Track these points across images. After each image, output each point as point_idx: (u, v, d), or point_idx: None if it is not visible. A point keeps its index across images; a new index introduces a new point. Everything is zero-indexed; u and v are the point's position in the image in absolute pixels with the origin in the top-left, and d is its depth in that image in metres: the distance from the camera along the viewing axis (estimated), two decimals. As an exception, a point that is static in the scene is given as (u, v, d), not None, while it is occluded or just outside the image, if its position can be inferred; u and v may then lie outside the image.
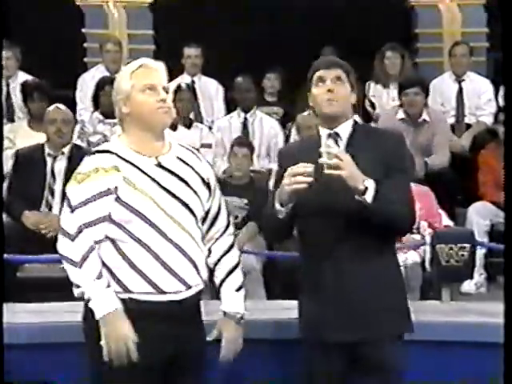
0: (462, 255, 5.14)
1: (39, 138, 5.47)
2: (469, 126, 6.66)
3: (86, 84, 6.94)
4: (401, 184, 2.92)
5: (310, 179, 2.78)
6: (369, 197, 2.79)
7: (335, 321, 2.92)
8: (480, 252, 5.35)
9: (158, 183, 2.78)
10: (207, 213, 2.93)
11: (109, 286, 2.73)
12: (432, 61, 7.79)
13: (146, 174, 2.77)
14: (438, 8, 7.93)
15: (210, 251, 2.98)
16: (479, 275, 5.42)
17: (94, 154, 2.83)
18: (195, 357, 2.88)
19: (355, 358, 2.95)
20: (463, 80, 6.82)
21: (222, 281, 2.99)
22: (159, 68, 2.87)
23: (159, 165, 2.81)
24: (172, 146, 2.88)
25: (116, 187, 2.73)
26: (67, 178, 5.06)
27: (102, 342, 2.70)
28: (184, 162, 2.87)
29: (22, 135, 5.73)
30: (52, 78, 6.78)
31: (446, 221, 5.30)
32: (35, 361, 3.58)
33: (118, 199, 2.73)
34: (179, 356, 2.82)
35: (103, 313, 2.71)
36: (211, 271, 2.99)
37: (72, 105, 6.84)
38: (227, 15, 8.40)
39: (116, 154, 2.79)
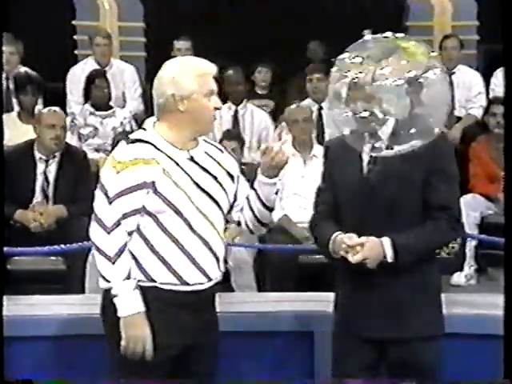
0: (453, 247, 5.16)
1: (28, 130, 5.41)
2: (459, 118, 6.66)
3: (76, 77, 6.90)
4: (447, 192, 2.96)
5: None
6: (389, 258, 2.86)
7: (370, 318, 2.96)
8: (470, 244, 5.37)
9: (191, 177, 2.86)
10: (235, 196, 3.00)
11: (136, 288, 2.81)
12: (423, 54, 7.77)
13: (180, 167, 2.86)
14: (429, 0, 7.92)
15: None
16: (469, 267, 5.43)
17: (133, 142, 2.87)
18: (210, 345, 2.96)
19: (387, 355, 3.00)
20: (454, 73, 6.81)
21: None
22: (215, 74, 2.95)
23: (191, 159, 2.90)
24: (199, 142, 2.97)
25: (153, 181, 2.79)
26: (57, 182, 5.08)
27: (122, 342, 2.79)
28: (211, 156, 2.97)
29: (11, 127, 5.67)
30: (43, 70, 6.75)
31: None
32: (23, 353, 3.57)
33: (155, 191, 2.80)
34: (196, 344, 2.90)
35: (127, 313, 2.79)
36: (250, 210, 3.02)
37: (63, 97, 6.85)
38: (218, 8, 8.37)
39: (154, 146, 2.85)
